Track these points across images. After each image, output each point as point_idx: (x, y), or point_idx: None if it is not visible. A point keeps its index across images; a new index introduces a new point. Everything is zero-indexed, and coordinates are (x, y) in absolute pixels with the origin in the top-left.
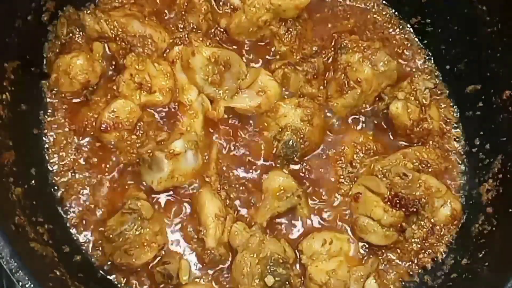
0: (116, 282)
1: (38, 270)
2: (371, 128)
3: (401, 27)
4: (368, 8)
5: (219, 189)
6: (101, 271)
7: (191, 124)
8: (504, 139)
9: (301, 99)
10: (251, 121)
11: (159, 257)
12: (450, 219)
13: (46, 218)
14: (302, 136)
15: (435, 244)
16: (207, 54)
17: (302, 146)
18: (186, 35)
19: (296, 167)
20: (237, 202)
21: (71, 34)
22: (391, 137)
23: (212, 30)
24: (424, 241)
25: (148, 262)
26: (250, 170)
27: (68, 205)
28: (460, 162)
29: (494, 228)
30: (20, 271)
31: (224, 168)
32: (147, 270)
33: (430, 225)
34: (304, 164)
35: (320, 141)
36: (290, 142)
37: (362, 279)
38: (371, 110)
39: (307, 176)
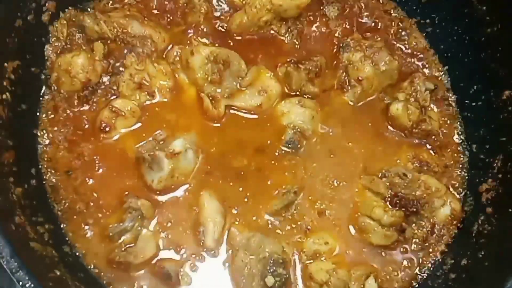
0: (115, 281)
1: (38, 270)
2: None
3: (402, 26)
4: (370, 7)
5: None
6: (98, 270)
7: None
8: (504, 139)
9: (303, 98)
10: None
11: (159, 257)
12: (450, 219)
13: (46, 218)
14: (303, 134)
15: (434, 244)
16: (205, 53)
17: (303, 144)
18: (186, 35)
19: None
20: (236, 202)
21: (71, 35)
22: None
23: (213, 30)
24: (424, 241)
25: (147, 261)
26: (250, 170)
27: (68, 205)
28: (460, 162)
29: (494, 228)
30: (20, 271)
31: (224, 167)
32: (146, 269)
33: (430, 225)
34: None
35: (321, 139)
36: (292, 141)
37: (362, 278)
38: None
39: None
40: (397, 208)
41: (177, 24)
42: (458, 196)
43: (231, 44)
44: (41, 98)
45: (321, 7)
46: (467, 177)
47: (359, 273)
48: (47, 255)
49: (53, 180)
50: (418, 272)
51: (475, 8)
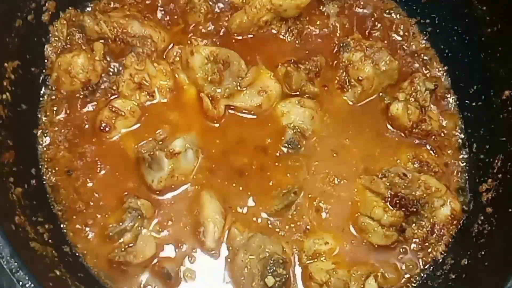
0: (115, 281)
1: (38, 270)
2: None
3: (402, 26)
4: (370, 7)
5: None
6: (98, 270)
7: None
8: (504, 139)
9: (303, 98)
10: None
11: (159, 257)
12: (450, 219)
13: (46, 218)
14: (303, 134)
15: (434, 244)
16: (205, 53)
17: (303, 144)
18: (186, 35)
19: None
20: (236, 202)
21: (71, 35)
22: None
23: (212, 30)
24: (424, 241)
25: (147, 261)
26: (250, 170)
27: (68, 205)
28: (460, 162)
29: (493, 228)
30: (20, 271)
31: (224, 167)
32: (146, 269)
33: (430, 225)
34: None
35: (321, 140)
36: (292, 141)
37: (362, 278)
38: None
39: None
40: (397, 208)
41: (177, 24)
42: (458, 196)
43: (231, 44)
44: (41, 98)
45: (321, 7)
46: (467, 177)
47: (359, 273)
48: (47, 255)
49: (53, 180)
50: (418, 272)
51: (475, 8)
